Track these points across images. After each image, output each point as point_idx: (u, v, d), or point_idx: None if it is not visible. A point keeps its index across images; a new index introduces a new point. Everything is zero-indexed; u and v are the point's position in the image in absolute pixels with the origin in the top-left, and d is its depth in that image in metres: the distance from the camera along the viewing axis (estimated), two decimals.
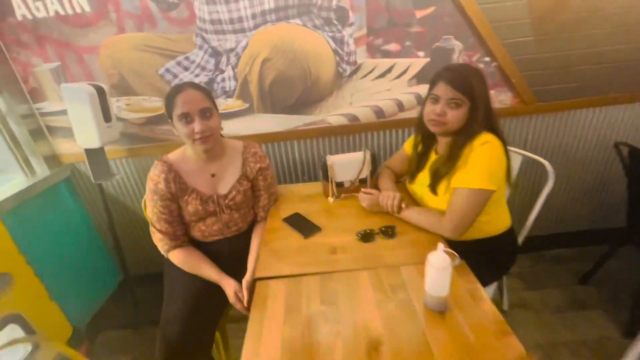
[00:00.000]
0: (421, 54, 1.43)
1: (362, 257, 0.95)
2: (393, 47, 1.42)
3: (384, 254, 0.95)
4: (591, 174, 1.73)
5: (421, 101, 1.51)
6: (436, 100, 1.01)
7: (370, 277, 0.87)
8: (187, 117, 1.01)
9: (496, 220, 1.10)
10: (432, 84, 1.03)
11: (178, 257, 1.13)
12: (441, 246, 0.68)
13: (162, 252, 1.15)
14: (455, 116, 0.99)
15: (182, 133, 1.03)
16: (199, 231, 1.16)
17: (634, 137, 1.62)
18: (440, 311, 0.75)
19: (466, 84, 0.96)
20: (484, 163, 0.95)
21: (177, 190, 1.10)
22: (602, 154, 1.68)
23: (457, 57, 1.43)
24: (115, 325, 1.70)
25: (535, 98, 1.51)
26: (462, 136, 1.00)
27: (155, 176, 1.09)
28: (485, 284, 1.10)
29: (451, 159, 1.01)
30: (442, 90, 0.98)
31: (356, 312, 0.78)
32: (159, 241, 1.13)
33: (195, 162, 1.13)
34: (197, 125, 1.01)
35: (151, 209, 1.10)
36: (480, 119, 0.98)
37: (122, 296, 1.84)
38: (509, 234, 1.15)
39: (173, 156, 1.13)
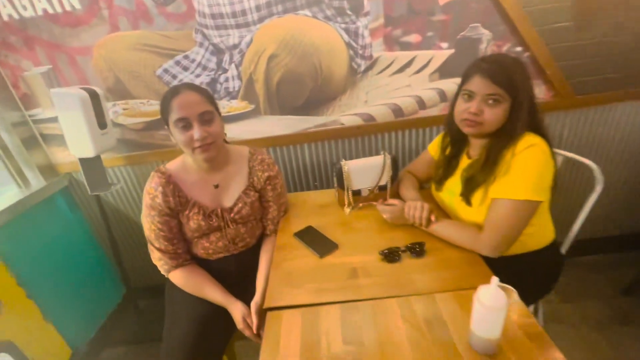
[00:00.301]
0: (445, 45, 1.28)
1: (388, 281, 0.82)
2: (413, 38, 1.27)
3: (413, 278, 0.82)
4: (634, 173, 1.56)
5: (444, 97, 1.37)
6: (470, 96, 0.87)
7: (400, 308, 0.74)
8: (184, 123, 0.89)
9: (540, 232, 0.96)
10: (466, 77, 0.89)
11: (180, 278, 1.02)
12: (495, 280, 0.55)
13: (162, 272, 1.04)
14: (493, 115, 0.85)
15: (179, 141, 0.91)
16: (203, 248, 1.05)
17: None
18: (488, 354, 0.62)
19: (507, 76, 0.82)
20: (529, 170, 0.81)
21: (176, 204, 0.98)
22: None
23: (485, 48, 1.28)
24: (119, 342, 1.62)
25: (572, 91, 1.35)
26: (502, 138, 0.86)
27: (151, 189, 0.97)
28: (526, 304, 0.96)
29: (489, 165, 0.87)
30: (478, 84, 0.84)
31: (386, 354, 0.65)
32: (158, 260, 1.02)
33: (196, 172, 1.02)
34: (196, 132, 0.89)
35: (149, 225, 0.99)
36: (523, 117, 0.84)
37: (125, 310, 1.75)
38: (553, 247, 1.01)
39: (171, 166, 1.02)
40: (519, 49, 1.29)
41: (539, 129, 0.87)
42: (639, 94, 1.37)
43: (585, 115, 1.42)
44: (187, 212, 1.00)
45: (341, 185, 1.14)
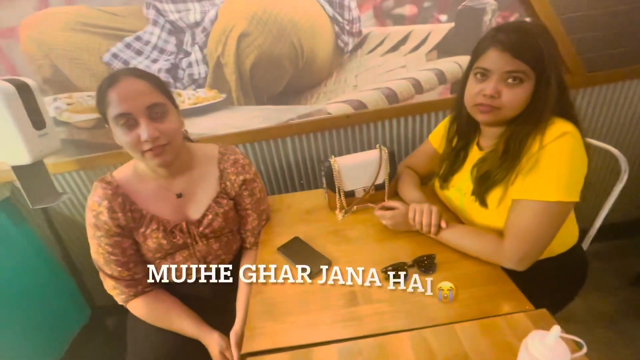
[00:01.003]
0: (443, 17, 1.11)
1: (396, 309, 0.66)
2: (408, 10, 1.09)
3: (425, 302, 0.67)
4: None
5: (443, 79, 1.21)
6: (485, 75, 0.71)
7: (414, 347, 0.58)
8: (127, 120, 0.70)
9: (565, 234, 0.82)
10: (478, 52, 0.72)
11: (141, 309, 0.84)
12: (557, 330, 0.39)
13: (119, 302, 0.86)
14: (515, 97, 0.69)
15: (123, 142, 0.72)
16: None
17: None
18: None
19: (531, 48, 0.66)
20: (563, 164, 0.66)
21: (128, 221, 0.79)
22: None
23: (490, 20, 1.12)
24: None
25: (584, 67, 1.21)
26: (525, 125, 0.71)
27: (94, 204, 0.78)
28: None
29: (510, 158, 0.72)
30: (495, 60, 0.68)
31: None
32: (113, 290, 0.84)
33: (152, 180, 0.83)
34: (144, 131, 0.70)
35: (95, 248, 0.80)
36: (551, 98, 0.69)
37: (92, 332, 1.55)
38: (577, 248, 0.87)
39: (120, 174, 0.82)
40: (527, 19, 1.13)
41: (568, 113, 0.72)
42: None
43: (599, 94, 1.29)
44: (142, 229, 0.81)
45: (331, 186, 0.97)
